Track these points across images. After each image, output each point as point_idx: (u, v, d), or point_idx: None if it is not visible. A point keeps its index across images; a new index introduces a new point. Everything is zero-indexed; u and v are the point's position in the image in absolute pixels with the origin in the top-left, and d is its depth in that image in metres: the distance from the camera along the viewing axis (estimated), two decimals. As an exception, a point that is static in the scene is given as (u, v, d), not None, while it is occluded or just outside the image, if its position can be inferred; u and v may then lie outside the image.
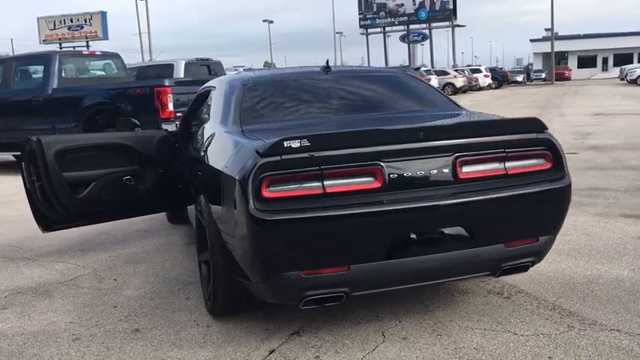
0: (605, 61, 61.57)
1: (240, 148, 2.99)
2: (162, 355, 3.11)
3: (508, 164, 2.99)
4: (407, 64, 47.68)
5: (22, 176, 4.72)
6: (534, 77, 54.78)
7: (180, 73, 12.04)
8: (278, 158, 2.70)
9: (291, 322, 3.38)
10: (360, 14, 52.70)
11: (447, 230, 2.87)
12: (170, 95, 8.73)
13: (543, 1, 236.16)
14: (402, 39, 54.10)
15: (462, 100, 29.16)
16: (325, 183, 2.75)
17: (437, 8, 49.32)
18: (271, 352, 3.07)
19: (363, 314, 3.42)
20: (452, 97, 4.43)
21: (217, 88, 4.08)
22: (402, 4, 50.75)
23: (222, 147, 3.30)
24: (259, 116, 3.57)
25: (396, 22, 51.86)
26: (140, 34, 46.97)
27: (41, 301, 4.01)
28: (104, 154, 4.88)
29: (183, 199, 5.30)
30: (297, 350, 3.06)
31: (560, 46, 54.42)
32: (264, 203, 2.69)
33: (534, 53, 62.54)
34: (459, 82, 34.96)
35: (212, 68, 12.71)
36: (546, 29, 68.09)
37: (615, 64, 58.37)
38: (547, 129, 3.06)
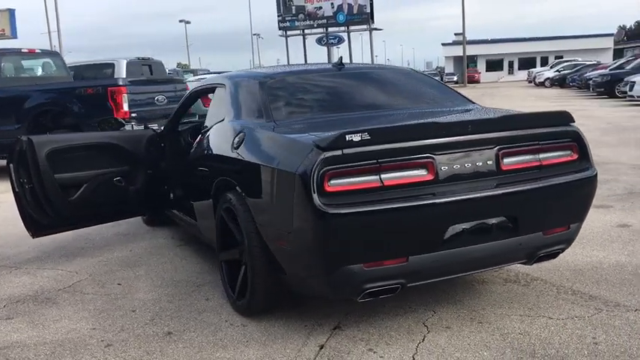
0: (511, 64, 64.84)
1: (292, 143, 2.98)
2: (209, 356, 3.05)
3: (541, 155, 3.15)
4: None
5: (11, 179, 4.46)
6: (447, 79, 56.81)
7: (121, 72, 11.62)
8: (339, 152, 2.72)
9: (327, 318, 3.40)
10: (279, 16, 52.68)
11: (494, 220, 2.99)
12: (125, 95, 8.46)
13: (451, 7, 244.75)
14: (319, 41, 54.55)
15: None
16: (382, 176, 2.80)
17: (355, 12, 50.08)
18: (321, 347, 3.08)
19: (396, 307, 3.48)
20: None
21: (230, 84, 4.02)
22: (321, 7, 51.19)
23: (264, 143, 3.26)
24: (289, 112, 3.56)
25: (315, 25, 52.19)
26: (50, 32, 44.83)
27: (48, 309, 3.81)
28: (94, 154, 4.72)
29: (170, 200, 5.20)
30: (347, 344, 3.09)
31: (469, 50, 56.69)
32: (327, 197, 2.71)
33: (446, 57, 64.92)
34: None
35: (153, 68, 12.37)
36: (456, 34, 70.89)
37: (520, 68, 61.68)
38: (574, 121, 3.25)
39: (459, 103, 3.95)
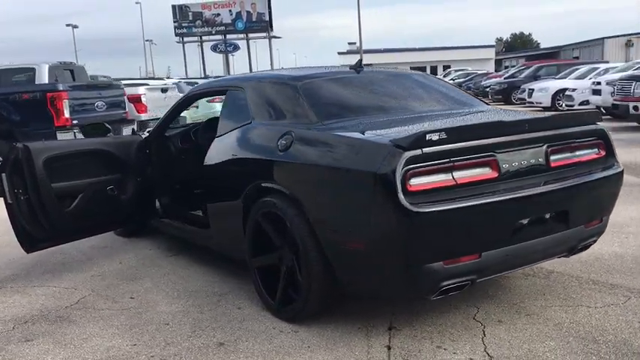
0: (403, 73, 67.22)
1: (365, 143, 2.97)
2: (277, 364, 2.99)
3: (577, 153, 3.37)
4: (223, 73, 47.71)
5: (2, 190, 4.10)
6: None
7: (43, 77, 10.92)
8: (419, 151, 2.78)
9: (377, 318, 3.42)
10: (175, 22, 51.53)
11: (551, 214, 3.15)
12: (66, 101, 7.97)
13: (341, 18, 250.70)
14: (214, 49, 54.04)
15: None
16: (455, 174, 2.88)
17: (254, 19, 50.01)
18: (389, 347, 3.09)
19: (438, 305, 3.55)
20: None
21: (253, 87, 3.92)
22: (219, 14, 50.68)
23: (321, 145, 3.20)
24: (330, 114, 3.52)
25: (213, 32, 51.58)
26: None
27: (67, 328, 3.55)
28: (88, 161, 4.45)
29: (156, 209, 5.00)
30: (412, 343, 3.12)
31: (364, 60, 58.30)
32: (410, 196, 2.75)
33: (342, 65, 66.17)
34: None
35: (75, 73, 11.76)
36: (349, 43, 72.63)
37: (412, 77, 64.00)
38: (601, 121, 3.50)
39: (478, 104, 4.10)
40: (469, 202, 2.83)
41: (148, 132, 5.14)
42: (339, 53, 64.09)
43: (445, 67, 55.46)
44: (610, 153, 3.51)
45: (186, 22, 51.47)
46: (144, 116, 10.42)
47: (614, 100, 12.80)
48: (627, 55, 47.58)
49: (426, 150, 2.79)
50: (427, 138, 2.75)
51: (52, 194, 4.09)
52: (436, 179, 2.85)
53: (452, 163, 2.87)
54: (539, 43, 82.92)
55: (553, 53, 55.82)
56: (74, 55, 62.23)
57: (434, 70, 60.32)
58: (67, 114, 7.97)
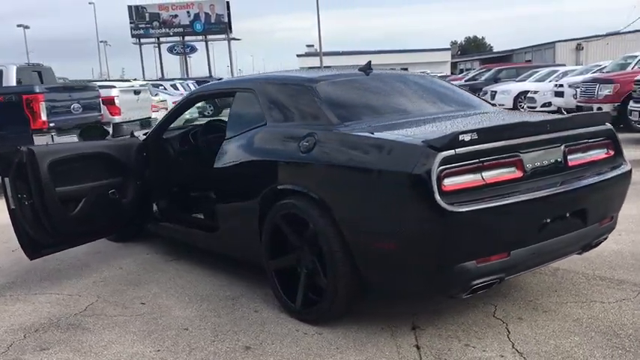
0: (360, 75, 67.66)
1: (397, 144, 2.98)
2: (310, 366, 2.98)
3: (591, 152, 3.47)
4: (186, 75, 47.15)
5: (5, 195, 3.96)
6: (304, 90, 58.09)
7: (10, 78, 10.58)
8: (453, 152, 2.82)
9: (398, 318, 3.44)
10: (131, 23, 50.63)
11: (572, 212, 3.24)
12: (43, 103, 7.75)
13: (299, 20, 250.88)
14: (170, 50, 53.42)
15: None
16: (484, 174, 2.94)
17: (212, 21, 49.59)
18: (417, 347, 3.12)
19: (456, 303, 3.59)
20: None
21: (264, 89, 3.89)
22: (177, 15, 50.05)
23: (348, 146, 3.20)
24: (350, 115, 3.53)
25: (171, 33, 50.93)
26: None
27: (83, 336, 3.46)
28: (90, 165, 4.36)
29: (153, 212, 4.93)
30: (440, 342, 3.16)
31: (324, 62, 58.52)
32: (445, 196, 2.79)
33: (301, 67, 66.37)
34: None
35: (43, 74, 11.44)
36: (307, 45, 72.82)
37: (369, 79, 64.49)
38: (610, 121, 3.61)
39: (485, 106, 4.18)
40: (502, 202, 2.89)
41: (144, 134, 5.04)
42: (298, 55, 64.23)
43: (403, 70, 56.07)
44: (618, 152, 3.62)
45: (142, 23, 50.67)
46: (117, 119, 10.21)
47: (578, 102, 13.19)
48: (577, 59, 49.12)
49: (459, 150, 2.83)
50: (460, 138, 2.80)
51: (56, 199, 3.98)
52: (467, 179, 2.90)
53: (481, 164, 2.92)
54: (492, 47, 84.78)
55: (506, 56, 57.15)
56: (25, 56, 60.48)
57: (391, 73, 60.64)
58: (43, 117, 7.74)
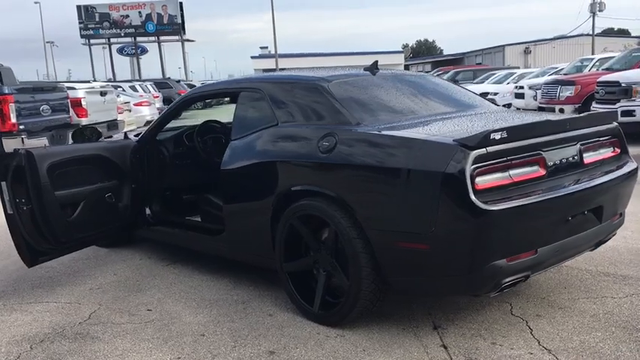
0: (314, 77, 67.75)
1: (426, 144, 2.96)
2: (340, 369, 2.94)
3: (601, 150, 3.55)
4: (136, 76, 46.22)
5: (2, 200, 3.77)
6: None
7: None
8: (484, 151, 2.83)
9: (417, 319, 3.44)
10: (80, 24, 49.38)
11: (590, 209, 3.30)
12: (12, 105, 7.45)
13: (250, 22, 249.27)
14: (120, 51, 52.42)
15: (212, 112, 29.38)
16: (511, 172, 2.96)
17: (165, 22, 48.82)
18: (445, 347, 3.11)
19: (471, 302, 3.61)
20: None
21: (272, 88, 3.81)
22: (128, 16, 49.07)
23: (373, 145, 3.15)
24: (366, 114, 3.50)
25: (122, 34, 49.91)
26: None
27: (94, 345, 3.32)
28: (86, 167, 4.19)
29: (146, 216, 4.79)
30: (465, 341, 3.16)
31: (278, 63, 58.39)
32: (479, 195, 2.80)
33: (255, 69, 65.90)
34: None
35: (2, 74, 10.99)
36: (261, 47, 72.45)
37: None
38: (617, 120, 3.70)
39: (488, 105, 4.22)
40: (534, 199, 2.92)
41: (135, 135, 4.89)
42: (252, 57, 63.83)
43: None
44: (624, 150, 3.71)
45: (92, 24, 49.52)
46: (84, 121, 9.90)
47: (540, 103, 13.53)
48: (526, 62, 50.49)
49: (490, 149, 2.85)
50: (491, 137, 2.80)
51: (56, 203, 3.81)
52: (496, 177, 2.92)
53: (509, 162, 2.94)
54: (442, 50, 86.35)
55: (458, 59, 58.33)
56: (-33, 56, 58.17)
57: (345, 75, 60.96)
58: (13, 119, 7.44)
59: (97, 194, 4.17)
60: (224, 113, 5.15)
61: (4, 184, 3.71)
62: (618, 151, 3.69)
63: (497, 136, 2.83)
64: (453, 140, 2.88)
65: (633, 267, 4.13)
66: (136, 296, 4.06)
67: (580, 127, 3.35)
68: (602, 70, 13.44)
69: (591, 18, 44.54)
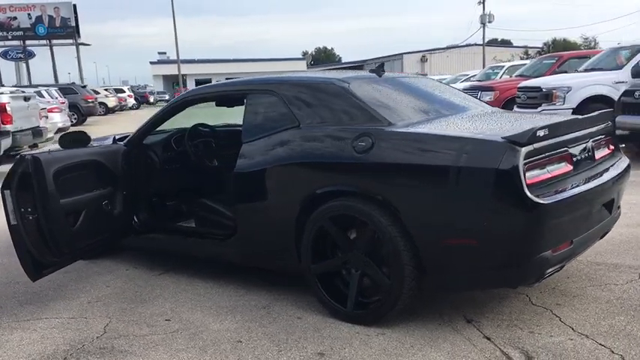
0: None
1: (475, 142, 3.04)
2: (398, 366, 2.97)
3: (604, 147, 3.82)
4: (25, 82, 43.58)
5: (5, 210, 3.47)
6: (158, 98, 56.27)
7: None
8: (532, 147, 2.98)
9: (449, 314, 3.52)
10: (-38, 25, 45.93)
11: (607, 201, 3.53)
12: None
13: (144, 26, 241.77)
14: (4, 55, 49.28)
15: (120, 119, 28.33)
16: (549, 168, 3.14)
17: (57, 24, 46.36)
18: (487, 338, 3.22)
19: (487, 296, 3.74)
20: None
21: (288, 90, 3.76)
22: (16, 18, 46.18)
23: (415, 144, 3.20)
24: (395, 114, 3.54)
25: (10, 37, 46.88)
26: None
27: (128, 358, 3.14)
28: (85, 174, 3.95)
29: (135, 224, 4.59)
30: (504, 331, 3.27)
31: (176, 70, 57.06)
32: (530, 189, 2.93)
33: (154, 75, 64.17)
34: (111, 101, 33.93)
35: None
36: (159, 52, 70.73)
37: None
38: (613, 119, 3.99)
39: (483, 105, 4.42)
40: (576, 191, 3.12)
41: (119, 139, 4.65)
42: (152, 63, 62.20)
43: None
44: (617, 148, 4.01)
45: (-24, 26, 46.11)
46: (9, 127, 9.23)
47: (461, 108, 14.18)
48: (422, 69, 52.68)
49: (536, 145, 3.00)
50: (537, 134, 2.95)
51: (62, 212, 3.56)
52: (539, 173, 3.08)
53: (548, 158, 3.11)
54: (340, 57, 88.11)
55: (358, 67, 59.66)
56: None
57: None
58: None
59: (97, 202, 3.94)
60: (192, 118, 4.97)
61: (7, 192, 3.41)
62: (613, 148, 3.97)
63: (542, 133, 2.98)
64: (502, 138, 3.00)
65: (618, 256, 4.45)
66: (145, 307, 3.87)
67: (593, 125, 3.58)
68: (516, 76, 14.32)
69: (482, 29, 47.24)
